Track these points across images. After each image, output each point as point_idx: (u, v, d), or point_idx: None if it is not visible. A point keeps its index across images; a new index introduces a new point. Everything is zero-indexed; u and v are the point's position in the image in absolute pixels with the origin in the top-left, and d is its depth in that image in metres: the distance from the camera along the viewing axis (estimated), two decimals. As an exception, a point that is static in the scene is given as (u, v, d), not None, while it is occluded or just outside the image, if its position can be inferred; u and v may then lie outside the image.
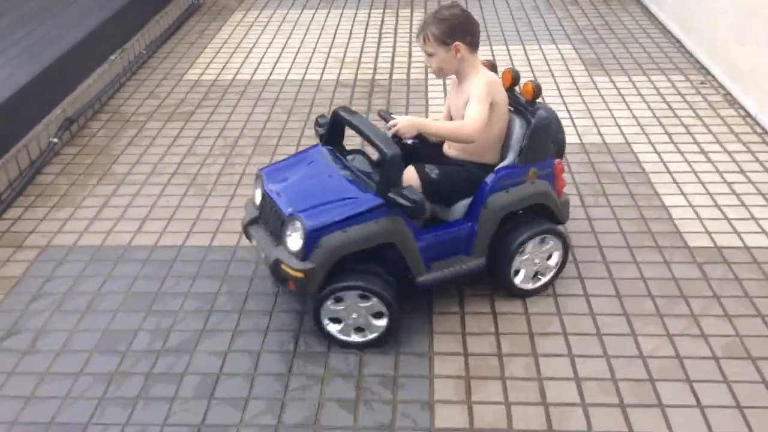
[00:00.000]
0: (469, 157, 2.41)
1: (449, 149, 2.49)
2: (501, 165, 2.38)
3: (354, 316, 2.25)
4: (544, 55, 4.66)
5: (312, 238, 2.13)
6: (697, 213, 2.96)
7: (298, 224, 2.16)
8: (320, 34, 5.14)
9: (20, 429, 2.04)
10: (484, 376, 2.19)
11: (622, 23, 5.18)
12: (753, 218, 2.91)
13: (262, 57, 4.74)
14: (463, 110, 2.33)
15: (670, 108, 3.87)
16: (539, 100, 2.45)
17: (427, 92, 4.16)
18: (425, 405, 2.09)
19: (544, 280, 2.51)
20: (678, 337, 2.31)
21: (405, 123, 2.33)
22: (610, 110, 3.87)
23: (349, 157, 2.43)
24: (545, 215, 2.47)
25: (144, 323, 2.43)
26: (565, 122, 3.73)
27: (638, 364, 2.21)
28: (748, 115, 3.75)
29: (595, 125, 3.71)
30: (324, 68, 4.54)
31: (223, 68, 4.58)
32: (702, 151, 3.43)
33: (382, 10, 5.64)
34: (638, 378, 2.16)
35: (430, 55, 2.36)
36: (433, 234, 2.32)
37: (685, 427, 2.00)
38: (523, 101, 2.44)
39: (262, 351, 2.29)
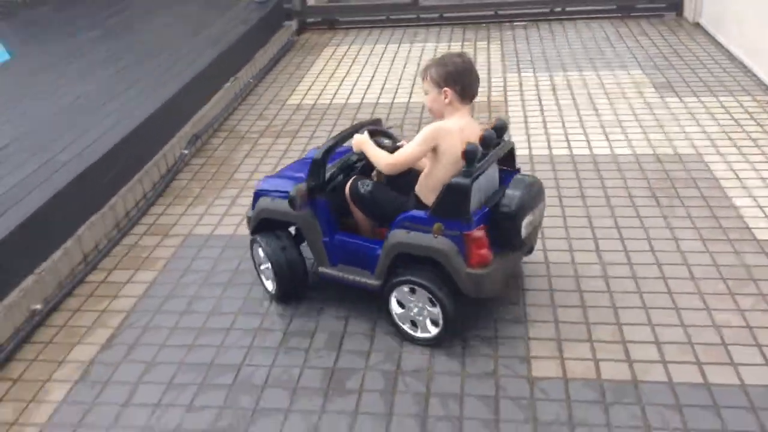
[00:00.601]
0: (417, 192, 2.54)
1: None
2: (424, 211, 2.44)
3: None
4: (617, 79, 5.01)
5: (255, 196, 2.80)
6: (764, 212, 3.23)
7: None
8: (405, 64, 5.63)
9: (187, 368, 2.49)
10: (574, 338, 2.52)
11: (690, 51, 5.49)
12: (818, 216, 3.18)
13: (354, 84, 5.24)
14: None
15: (738, 124, 4.15)
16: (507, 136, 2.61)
17: (507, 112, 4.56)
18: (523, 360, 2.44)
19: (416, 333, 2.53)
20: (747, 312, 2.60)
21: (356, 141, 2.64)
22: (681, 126, 4.18)
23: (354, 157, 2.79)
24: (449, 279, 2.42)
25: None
26: (638, 136, 4.07)
27: (712, 332, 2.50)
28: (814, 130, 4.01)
29: (668, 139, 4.02)
30: (411, 93, 4.99)
31: (320, 94, 5.10)
32: (769, 161, 3.71)
33: (461, 43, 6.11)
34: (712, 342, 2.46)
35: (426, 93, 2.54)
36: (347, 239, 2.63)
37: (755, 378, 2.28)
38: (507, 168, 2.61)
39: (378, 318, 2.68)
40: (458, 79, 2.46)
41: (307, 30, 6.79)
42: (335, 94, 5.08)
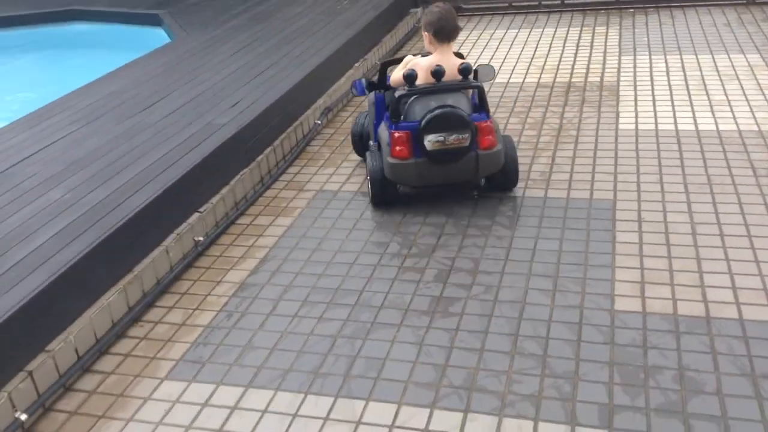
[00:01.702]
0: None
1: None
2: None
3: None
4: (731, 62, 5.09)
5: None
6: None
7: None
8: (523, 48, 5.93)
9: (318, 291, 3.00)
10: (656, 282, 2.81)
11: (815, 34, 5.45)
12: None
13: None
14: None
15: None
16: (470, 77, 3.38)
17: (618, 91, 4.79)
18: (608, 297, 2.76)
19: None
20: (828, 268, 2.79)
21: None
22: (791, 105, 4.27)
23: None
24: None
25: (393, 238, 3.32)
26: (746, 113, 4.20)
27: (790, 284, 2.72)
28: None
29: (775, 116, 4.14)
30: (526, 73, 5.31)
31: (441, 75, 5.51)
32: None
33: (579, 28, 6.33)
34: (788, 292, 2.68)
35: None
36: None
37: (824, 323, 2.49)
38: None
39: (482, 257, 3.08)
40: (433, 25, 3.38)
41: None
42: (454, 74, 5.48)
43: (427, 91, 3.35)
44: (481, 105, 3.43)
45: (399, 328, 2.71)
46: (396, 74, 3.47)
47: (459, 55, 3.58)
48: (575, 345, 2.52)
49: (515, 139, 4.19)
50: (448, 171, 3.41)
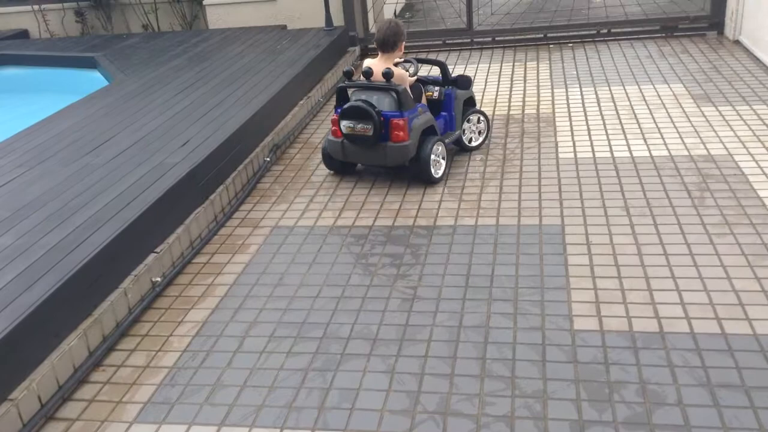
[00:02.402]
0: None
1: None
2: None
3: None
4: (657, 92, 5.41)
5: None
6: (788, 201, 3.61)
7: None
8: (460, 83, 6.13)
9: (284, 325, 3.00)
10: (610, 301, 2.95)
11: (728, 65, 5.86)
12: (837, 204, 3.53)
13: (415, 101, 5.78)
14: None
15: (770, 128, 4.52)
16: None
17: (555, 122, 5.01)
18: (566, 317, 2.87)
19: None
20: (764, 279, 2.98)
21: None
22: (715, 131, 4.56)
23: None
24: None
25: (354, 270, 3.37)
26: (675, 140, 4.47)
27: (732, 296, 2.89)
28: (842, 132, 4.34)
29: (702, 142, 4.41)
30: (467, 108, 5.49)
31: (383, 110, 5.64)
32: (796, 159, 4.06)
33: (511, 63, 6.60)
34: (731, 303, 2.85)
35: None
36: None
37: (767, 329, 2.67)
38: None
39: (443, 285, 3.16)
40: (376, 37, 4.28)
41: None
42: (397, 110, 5.62)
43: (360, 86, 4.16)
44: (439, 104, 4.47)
45: (369, 358, 2.75)
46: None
47: (407, 62, 4.38)
48: (541, 365, 2.61)
49: (461, 170, 4.34)
50: (364, 153, 4.20)
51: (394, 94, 4.03)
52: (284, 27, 7.42)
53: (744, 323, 2.73)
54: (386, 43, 4.22)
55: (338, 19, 7.09)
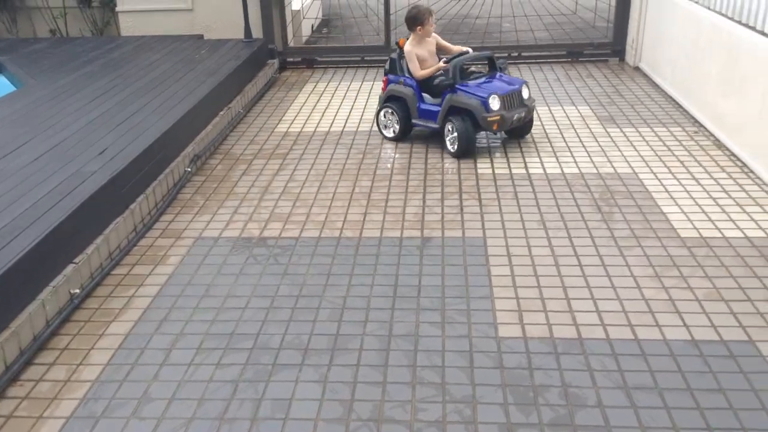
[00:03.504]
0: None
1: None
2: None
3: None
4: (566, 113, 5.70)
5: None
6: (687, 216, 3.88)
7: None
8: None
9: (212, 337, 2.97)
10: (532, 309, 3.08)
11: (631, 90, 6.25)
12: (730, 219, 3.83)
13: (335, 115, 5.84)
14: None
15: (669, 149, 4.85)
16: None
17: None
18: (491, 325, 2.99)
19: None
20: (670, 289, 3.20)
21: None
22: (620, 151, 4.85)
23: None
24: None
25: (282, 281, 3.37)
26: (584, 158, 4.73)
27: (642, 304, 3.09)
28: (732, 154, 4.71)
29: (609, 161, 4.69)
30: (387, 123, 5.60)
31: (304, 123, 5.67)
32: (693, 178, 4.37)
33: (429, 82, 6.76)
34: (642, 311, 3.04)
35: None
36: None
37: (675, 335, 2.87)
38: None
39: (371, 296, 3.21)
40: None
41: (288, 68, 7.40)
42: (318, 123, 5.66)
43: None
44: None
45: (301, 368, 2.76)
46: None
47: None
48: (469, 371, 2.71)
49: (385, 184, 4.42)
50: None
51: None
52: (201, 36, 7.32)
53: (654, 329, 2.92)
54: (407, 26, 5.04)
55: (257, 32, 7.07)
